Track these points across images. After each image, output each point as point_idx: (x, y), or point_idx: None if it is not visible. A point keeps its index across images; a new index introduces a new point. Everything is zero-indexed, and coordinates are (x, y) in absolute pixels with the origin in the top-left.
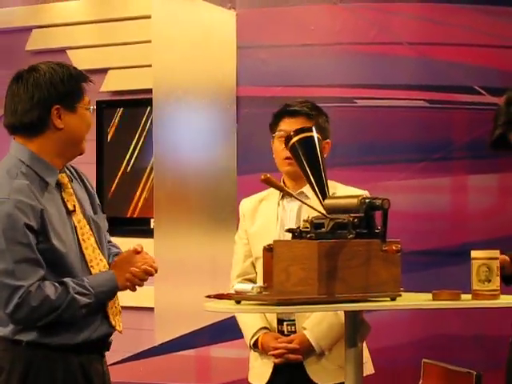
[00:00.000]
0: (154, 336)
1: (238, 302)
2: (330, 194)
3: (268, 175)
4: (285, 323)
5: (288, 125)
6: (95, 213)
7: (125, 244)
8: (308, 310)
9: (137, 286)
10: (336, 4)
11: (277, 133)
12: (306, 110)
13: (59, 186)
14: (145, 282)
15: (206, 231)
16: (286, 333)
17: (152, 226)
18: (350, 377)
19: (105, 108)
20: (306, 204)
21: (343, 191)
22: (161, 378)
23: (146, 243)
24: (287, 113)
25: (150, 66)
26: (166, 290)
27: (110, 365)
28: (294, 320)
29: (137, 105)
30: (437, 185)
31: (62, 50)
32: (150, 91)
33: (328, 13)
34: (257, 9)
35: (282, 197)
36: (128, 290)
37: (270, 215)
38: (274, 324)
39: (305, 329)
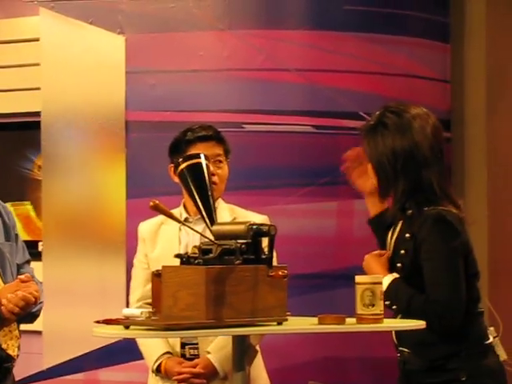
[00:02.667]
0: (42, 360)
1: (127, 327)
2: (231, 219)
3: (157, 202)
4: (187, 347)
5: (201, 150)
6: (8, 239)
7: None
8: (196, 334)
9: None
10: (224, 30)
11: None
12: (215, 135)
13: None
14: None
15: (95, 254)
16: (188, 356)
17: (40, 249)
18: None
19: None
20: (192, 229)
21: (243, 215)
22: None
23: (34, 266)
24: (199, 138)
25: (38, 88)
26: (55, 313)
27: None
28: (196, 343)
29: (25, 128)
30: (323, 209)
31: None
32: (38, 114)
33: (216, 39)
34: (146, 34)
35: (185, 219)
36: None
37: (172, 239)
38: (177, 348)
39: (209, 353)
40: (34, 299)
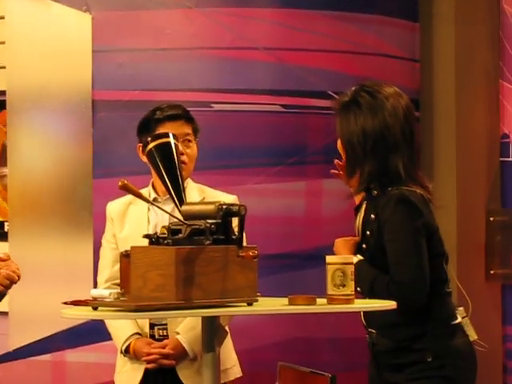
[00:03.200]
0: (8, 341)
1: (95, 309)
2: (200, 199)
3: (125, 181)
4: (156, 327)
5: (170, 129)
6: None
7: None
8: (166, 315)
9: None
10: (191, 8)
11: None
12: (184, 114)
13: None
14: None
15: (62, 235)
16: (157, 337)
17: (6, 230)
18: (207, 381)
19: None
20: (161, 209)
21: (212, 195)
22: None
23: (0, 247)
24: (168, 118)
25: (3, 67)
26: (21, 293)
27: None
28: (165, 324)
29: None
30: (292, 189)
31: None
32: (3, 93)
33: (184, 17)
34: (113, 12)
35: (153, 200)
36: None
37: (140, 219)
38: (146, 329)
39: (178, 333)
40: (17, 277)
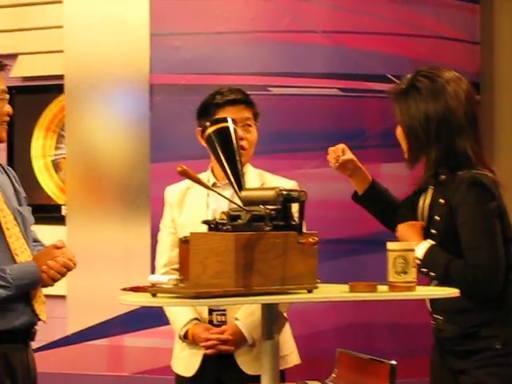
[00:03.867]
0: (66, 325)
1: (154, 295)
2: (260, 184)
3: (184, 167)
4: (214, 313)
5: (230, 114)
6: (20, 204)
7: (36, 231)
8: (225, 302)
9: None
10: None
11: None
12: (244, 98)
13: None
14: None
15: (120, 219)
16: (215, 323)
17: (64, 213)
18: (266, 369)
19: (15, 94)
20: (220, 195)
21: (272, 180)
22: (74, 368)
23: (57, 230)
24: (228, 102)
25: (61, 51)
26: (79, 277)
27: None
28: (224, 310)
29: (48, 91)
30: None
31: None
32: (61, 77)
33: (242, 1)
34: None
35: (212, 185)
36: None
37: (199, 204)
38: (204, 314)
39: (237, 319)
40: (73, 265)
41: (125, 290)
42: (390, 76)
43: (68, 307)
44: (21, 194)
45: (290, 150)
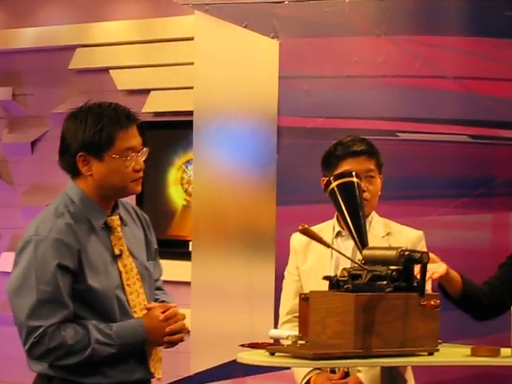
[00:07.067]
0: (190, 361)
1: (273, 354)
2: (384, 234)
3: (306, 225)
4: None
5: (352, 165)
6: (150, 259)
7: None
8: (344, 364)
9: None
10: (380, 36)
11: None
12: (367, 149)
13: (108, 228)
14: (181, 305)
15: (244, 259)
16: (337, 372)
17: (190, 249)
18: None
19: (146, 129)
20: (341, 254)
21: (397, 230)
22: None
23: (183, 266)
24: (350, 154)
25: (191, 87)
26: (203, 313)
27: None
28: None
29: (178, 127)
30: (477, 221)
31: (105, 70)
32: (191, 113)
33: (372, 45)
34: (300, 39)
35: (337, 234)
36: None
37: (324, 253)
38: None
39: (359, 371)
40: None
41: (243, 346)
42: None
43: (191, 343)
44: (152, 246)
45: (417, 196)
